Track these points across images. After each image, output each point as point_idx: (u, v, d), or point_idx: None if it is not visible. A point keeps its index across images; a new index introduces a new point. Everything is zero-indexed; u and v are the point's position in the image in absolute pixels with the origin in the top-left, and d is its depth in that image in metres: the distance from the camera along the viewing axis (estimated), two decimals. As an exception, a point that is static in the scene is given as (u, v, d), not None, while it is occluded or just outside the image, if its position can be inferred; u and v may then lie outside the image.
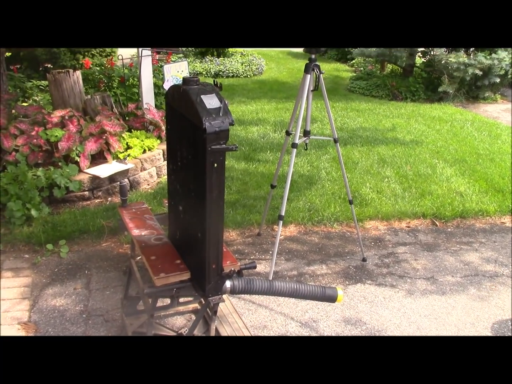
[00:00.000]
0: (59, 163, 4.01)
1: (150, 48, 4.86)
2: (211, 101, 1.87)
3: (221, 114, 1.83)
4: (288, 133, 3.39)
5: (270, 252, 3.52)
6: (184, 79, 1.96)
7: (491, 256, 3.69)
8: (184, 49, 11.08)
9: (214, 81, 2.07)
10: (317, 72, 3.13)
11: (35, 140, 4.02)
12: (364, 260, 3.55)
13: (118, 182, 4.19)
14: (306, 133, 3.36)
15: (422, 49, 8.83)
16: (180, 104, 2.03)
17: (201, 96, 1.88)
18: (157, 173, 4.62)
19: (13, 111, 4.42)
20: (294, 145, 3.12)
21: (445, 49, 8.59)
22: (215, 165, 1.86)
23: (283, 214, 3.13)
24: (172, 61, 7.44)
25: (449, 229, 4.08)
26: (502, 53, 8.00)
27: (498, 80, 8.25)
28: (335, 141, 3.37)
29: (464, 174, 5.03)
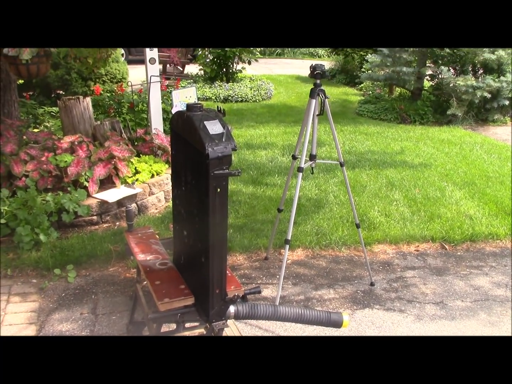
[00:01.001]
0: (68, 188, 4.05)
1: (158, 75, 4.93)
2: (214, 127, 1.89)
3: (224, 140, 1.85)
4: (294, 157, 3.40)
5: (277, 277, 3.50)
6: (188, 105, 1.99)
7: (502, 281, 3.64)
8: (193, 74, 11.24)
9: (217, 107, 2.10)
10: (322, 97, 3.15)
11: (45, 166, 4.06)
12: (372, 284, 3.52)
13: (126, 207, 4.22)
14: (312, 157, 3.37)
15: (430, 72, 8.86)
16: (184, 130, 2.05)
17: (204, 122, 1.90)
18: (165, 197, 4.64)
19: (24, 137, 4.49)
20: (300, 169, 3.13)
21: (453, 72, 8.62)
22: (218, 190, 1.87)
23: (289, 238, 3.12)
24: (181, 86, 7.54)
25: (458, 253, 4.04)
26: (511, 76, 8.01)
27: (507, 102, 8.24)
28: (341, 165, 3.37)
29: (474, 197, 4.99)
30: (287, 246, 3.13)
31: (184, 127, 2.04)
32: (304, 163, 3.16)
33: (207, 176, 1.84)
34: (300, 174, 3.13)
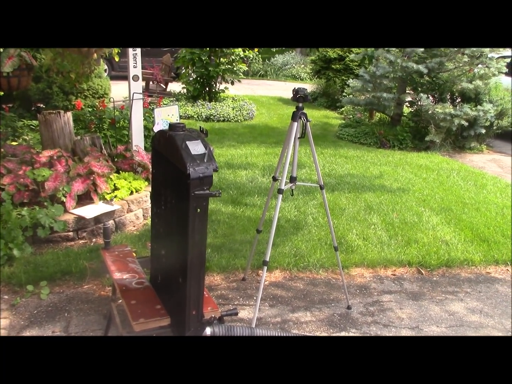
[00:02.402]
0: (45, 203, 3.99)
1: (141, 92, 4.93)
2: (196, 147, 1.90)
3: (205, 160, 1.86)
4: (274, 179, 3.41)
5: (254, 298, 3.48)
6: (171, 125, 1.99)
7: (476, 307, 3.68)
8: (176, 92, 11.26)
9: (200, 127, 2.10)
10: (304, 120, 3.18)
11: (22, 179, 4.01)
12: (349, 308, 3.52)
13: (103, 224, 4.17)
14: (292, 179, 3.38)
15: (410, 99, 9.03)
16: (166, 149, 2.05)
17: (187, 142, 1.91)
18: (143, 215, 4.61)
19: (2, 150, 4.43)
20: (280, 191, 3.13)
21: (432, 100, 8.80)
22: (198, 210, 1.87)
23: (267, 259, 3.11)
24: (163, 104, 7.54)
25: (434, 278, 4.08)
26: (487, 105, 8.21)
27: (483, 131, 8.43)
28: (321, 188, 3.39)
29: (450, 223, 5.06)
30: (265, 268, 3.11)
31: (166, 146, 2.03)
32: (284, 185, 3.17)
33: (188, 196, 1.84)
34: (280, 195, 3.14)
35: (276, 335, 2.16)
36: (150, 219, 4.57)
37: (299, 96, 3.20)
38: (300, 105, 3.19)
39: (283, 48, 20.49)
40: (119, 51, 4.75)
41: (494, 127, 8.76)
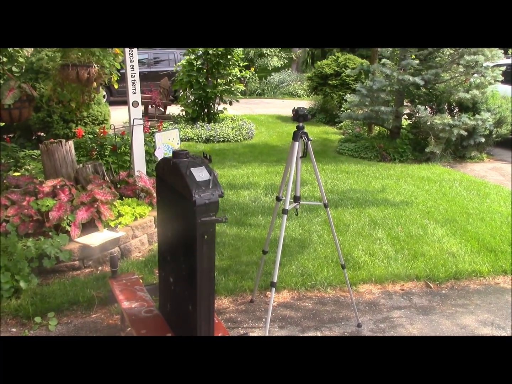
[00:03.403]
0: (50, 233, 4.00)
1: (141, 117, 4.96)
2: (200, 174, 1.90)
3: (210, 186, 1.86)
4: (278, 199, 3.42)
5: (264, 320, 3.45)
6: (174, 152, 2.00)
7: (488, 319, 3.64)
8: (175, 115, 11.32)
9: (203, 153, 2.11)
10: (305, 139, 3.19)
11: (26, 210, 4.01)
12: (359, 325, 3.50)
13: (109, 251, 4.17)
14: (296, 199, 3.38)
15: (408, 111, 9.07)
16: (170, 176, 2.05)
17: (191, 169, 1.91)
18: (148, 240, 4.60)
19: (5, 181, 4.44)
20: (284, 211, 3.13)
21: (430, 111, 8.83)
22: (205, 236, 1.87)
23: (275, 281, 3.10)
24: (163, 128, 7.59)
25: (443, 291, 4.05)
26: (485, 114, 8.23)
27: (483, 139, 8.44)
28: (325, 206, 3.39)
29: (456, 234, 5.04)
30: (273, 289, 3.10)
31: (170, 174, 2.04)
32: (289, 205, 3.17)
33: (194, 223, 1.84)
34: (285, 216, 3.14)
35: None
36: (155, 244, 4.57)
37: (299, 116, 3.22)
38: (301, 124, 3.20)
39: (279, 66, 20.68)
40: (118, 78, 4.79)
41: (494, 136, 8.78)
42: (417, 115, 8.76)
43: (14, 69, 7.61)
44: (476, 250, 4.68)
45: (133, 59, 4.80)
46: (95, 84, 4.31)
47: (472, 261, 4.45)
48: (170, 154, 4.91)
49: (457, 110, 8.99)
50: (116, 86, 4.91)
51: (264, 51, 20.86)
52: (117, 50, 4.71)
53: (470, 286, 4.15)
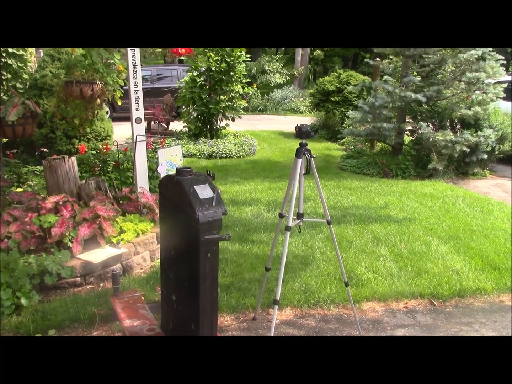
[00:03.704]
0: (52, 249, 3.98)
1: (144, 134, 4.97)
2: (204, 191, 1.90)
3: (214, 204, 1.85)
4: (281, 216, 3.41)
5: (266, 338, 3.42)
6: (178, 169, 1.99)
7: (493, 337, 3.61)
8: (177, 131, 11.37)
9: (207, 170, 2.11)
10: (308, 156, 3.19)
11: (28, 227, 4.01)
12: (363, 344, 3.46)
13: (111, 267, 4.15)
14: (299, 216, 3.37)
15: (410, 127, 9.08)
16: (173, 194, 2.05)
17: (194, 186, 1.91)
18: (150, 257, 4.58)
19: (7, 197, 4.44)
20: (287, 228, 3.12)
21: (432, 128, 8.85)
22: (209, 254, 1.85)
23: (278, 298, 3.07)
24: (166, 144, 7.61)
25: (447, 309, 4.01)
26: (488, 131, 8.24)
27: (485, 156, 8.43)
28: (328, 223, 3.38)
29: (459, 251, 5.01)
30: (276, 307, 3.07)
31: (174, 191, 2.03)
32: (292, 222, 3.16)
33: (197, 241, 1.82)
34: (288, 233, 3.12)
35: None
36: (157, 261, 4.55)
37: (302, 133, 3.22)
38: (304, 141, 3.20)
39: (282, 83, 20.78)
40: (122, 94, 4.82)
41: (496, 152, 8.77)
42: (419, 131, 8.77)
43: (18, 85, 7.66)
44: (480, 267, 4.65)
45: (136, 76, 4.83)
46: (98, 100, 4.33)
47: (476, 278, 4.42)
48: (173, 170, 4.94)
49: (459, 126, 8.99)
50: (119, 103, 4.93)
51: (267, 68, 21.00)
52: (120, 67, 4.74)
53: (475, 304, 4.11)
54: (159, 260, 4.57)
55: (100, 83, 4.26)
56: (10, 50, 7.48)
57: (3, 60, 7.02)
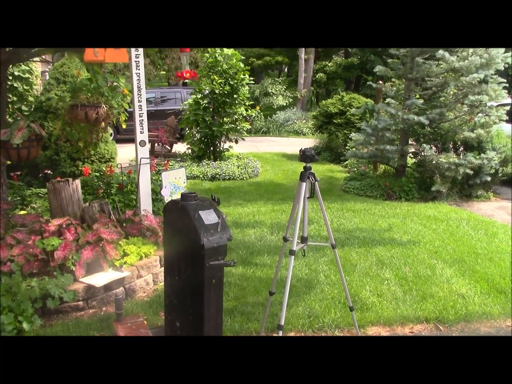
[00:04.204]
0: (54, 273, 3.96)
1: (148, 157, 4.99)
2: (209, 217, 1.89)
3: (219, 230, 1.84)
4: (285, 239, 3.39)
5: (270, 364, 3.37)
6: (183, 194, 1.99)
7: (500, 363, 3.55)
8: (181, 153, 11.41)
9: (212, 195, 2.10)
10: (312, 180, 3.19)
11: (31, 250, 3.99)
12: (368, 370, 3.41)
13: (114, 291, 4.12)
14: (303, 240, 3.36)
15: (413, 150, 9.09)
16: (178, 219, 2.04)
17: (199, 211, 1.90)
18: (153, 280, 4.55)
19: (11, 220, 4.44)
20: (292, 252, 3.10)
21: (435, 150, 8.86)
22: (213, 281, 1.84)
23: (282, 323, 3.03)
24: (170, 166, 7.63)
25: (454, 334, 3.96)
26: (491, 153, 8.25)
27: (489, 178, 8.42)
28: (333, 247, 3.36)
29: (465, 275, 4.97)
30: (280, 332, 3.03)
31: (179, 216, 2.02)
32: (296, 246, 3.14)
33: (202, 267, 1.81)
34: (292, 257, 3.10)
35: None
36: (160, 284, 4.53)
37: (306, 157, 3.23)
38: (308, 165, 3.21)
39: (285, 105, 20.93)
40: (126, 118, 4.85)
41: (499, 174, 8.77)
42: (423, 153, 8.78)
43: (23, 107, 7.74)
44: (486, 291, 4.60)
45: (141, 99, 4.87)
46: (103, 124, 4.36)
47: (482, 302, 4.37)
48: (177, 193, 4.94)
49: (462, 149, 9.01)
50: (124, 126, 4.96)
51: (270, 90, 21.17)
52: (125, 90, 4.77)
53: (481, 329, 4.05)
54: (162, 284, 4.55)
55: (105, 106, 4.28)
56: (16, 73, 7.59)
57: (9, 83, 7.10)
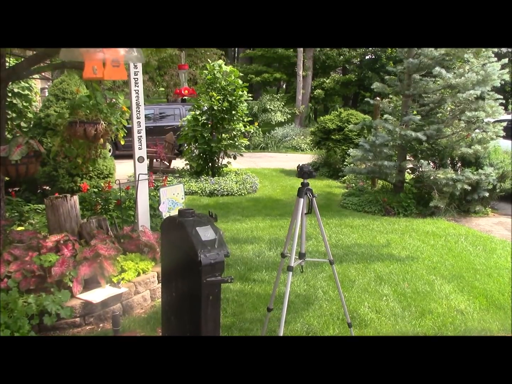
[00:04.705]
0: (51, 289, 3.95)
1: (146, 173, 5.00)
2: (206, 233, 1.89)
3: (216, 246, 1.84)
4: (283, 256, 3.39)
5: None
6: (180, 211, 1.99)
7: (500, 380, 3.52)
8: (179, 169, 11.44)
9: (209, 212, 2.11)
10: (310, 196, 3.20)
11: (28, 266, 3.98)
12: (367, 387, 3.38)
13: (111, 307, 4.10)
14: (301, 256, 3.36)
15: (411, 165, 9.12)
16: (175, 235, 2.04)
17: (197, 228, 1.90)
18: (151, 296, 4.53)
19: (8, 236, 4.43)
20: (289, 268, 3.10)
21: (433, 166, 8.89)
22: (210, 297, 1.84)
23: (280, 340, 3.02)
24: (168, 182, 7.64)
25: (453, 351, 3.94)
26: (488, 169, 8.28)
27: (487, 194, 8.44)
28: (331, 263, 3.36)
29: (463, 291, 4.96)
30: (279, 349, 3.02)
31: (176, 233, 2.03)
32: (294, 262, 3.14)
33: (199, 284, 1.81)
34: (290, 273, 3.10)
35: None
36: (157, 301, 4.51)
37: (304, 173, 3.24)
38: (305, 181, 3.22)
39: (283, 121, 21.04)
40: (125, 134, 4.87)
41: (497, 190, 8.78)
42: (420, 169, 8.81)
43: (22, 124, 7.77)
44: (485, 307, 4.59)
45: (139, 115, 4.89)
46: (102, 140, 4.38)
47: (481, 319, 4.35)
48: (175, 209, 4.95)
49: (460, 164, 9.05)
50: (122, 143, 4.97)
51: (268, 107, 21.28)
52: (124, 107, 4.80)
53: (480, 346, 4.03)
54: (159, 300, 4.52)
55: (104, 123, 4.31)
56: (15, 89, 7.63)
57: (8, 99, 7.13)
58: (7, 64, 5.00)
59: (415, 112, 8.89)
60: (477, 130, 8.50)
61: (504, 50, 17.09)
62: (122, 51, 3.38)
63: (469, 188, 8.16)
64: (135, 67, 4.77)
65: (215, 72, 10.67)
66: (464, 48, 7.98)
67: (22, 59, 5.11)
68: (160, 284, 4.55)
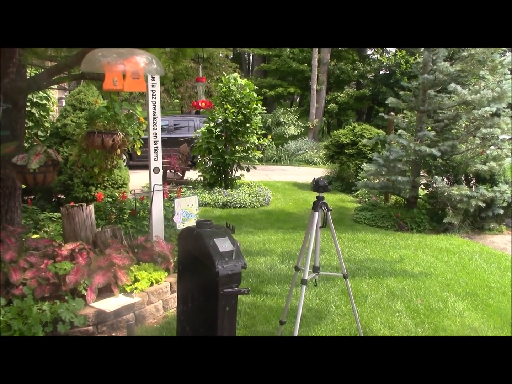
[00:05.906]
0: (66, 297, 3.97)
1: (161, 183, 5.04)
2: (224, 244, 1.90)
3: (233, 257, 1.86)
4: (297, 269, 3.39)
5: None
6: (198, 222, 2.01)
7: (515, 400, 3.48)
8: (192, 180, 11.49)
9: (226, 223, 2.12)
10: (325, 209, 3.21)
11: (43, 273, 4.02)
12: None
13: (124, 317, 4.12)
14: (315, 269, 3.36)
15: (425, 181, 9.09)
16: (193, 246, 2.06)
17: (214, 239, 1.92)
18: (163, 307, 4.54)
19: (24, 244, 4.48)
20: (303, 282, 3.10)
21: (447, 182, 8.85)
22: (227, 308, 1.84)
23: (293, 354, 3.01)
24: (182, 192, 7.68)
25: (466, 369, 3.89)
26: (503, 186, 8.22)
27: (501, 211, 8.37)
28: (345, 277, 3.36)
29: (477, 309, 4.91)
30: (291, 363, 3.01)
31: (193, 243, 2.04)
32: (308, 275, 3.14)
33: (216, 295, 1.82)
34: (304, 286, 3.10)
35: None
36: (170, 311, 4.52)
37: (319, 186, 3.25)
38: (321, 195, 3.23)
39: (296, 134, 21.08)
40: (142, 145, 4.92)
41: (512, 207, 8.71)
42: (434, 185, 8.76)
43: (39, 133, 7.88)
44: (499, 326, 4.54)
45: (156, 127, 4.95)
46: (118, 151, 4.42)
47: (496, 337, 4.31)
48: (189, 220, 4.97)
49: (475, 181, 8.99)
50: (139, 153, 5.02)
51: (282, 120, 21.36)
52: (141, 118, 4.86)
53: (495, 365, 3.99)
54: (172, 311, 4.54)
55: (121, 133, 4.36)
56: (34, 99, 7.75)
57: (26, 109, 7.24)
58: (27, 74, 5.09)
59: (429, 128, 8.88)
60: (492, 147, 8.46)
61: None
62: (142, 63, 3.43)
63: (484, 205, 8.10)
64: (153, 79, 4.83)
65: (230, 85, 10.75)
66: (471, 47, 7.92)
67: (42, 70, 5.19)
68: (173, 294, 4.57)
